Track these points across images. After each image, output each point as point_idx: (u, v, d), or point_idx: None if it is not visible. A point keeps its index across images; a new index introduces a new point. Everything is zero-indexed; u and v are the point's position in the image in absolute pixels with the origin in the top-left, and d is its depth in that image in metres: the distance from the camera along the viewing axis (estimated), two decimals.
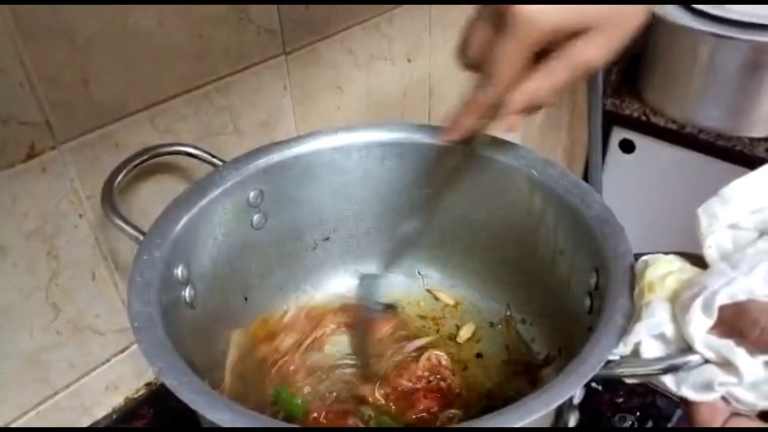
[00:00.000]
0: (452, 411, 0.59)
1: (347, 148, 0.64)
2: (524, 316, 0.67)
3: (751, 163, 1.11)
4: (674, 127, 1.17)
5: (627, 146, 1.27)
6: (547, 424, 0.42)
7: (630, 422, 0.64)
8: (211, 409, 0.37)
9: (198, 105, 0.61)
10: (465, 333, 0.67)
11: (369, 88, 0.80)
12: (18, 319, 0.55)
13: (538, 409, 0.36)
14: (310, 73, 0.71)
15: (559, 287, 0.58)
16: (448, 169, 0.63)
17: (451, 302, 0.70)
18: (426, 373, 0.61)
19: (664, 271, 0.43)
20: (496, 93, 0.46)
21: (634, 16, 0.44)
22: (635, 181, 1.29)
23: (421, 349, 0.64)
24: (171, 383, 0.39)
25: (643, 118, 1.21)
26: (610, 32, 0.43)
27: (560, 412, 0.42)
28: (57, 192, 0.54)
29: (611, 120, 1.25)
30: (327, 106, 0.76)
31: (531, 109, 0.47)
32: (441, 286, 0.72)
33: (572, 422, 0.43)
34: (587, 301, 0.52)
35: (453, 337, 0.67)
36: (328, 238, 0.70)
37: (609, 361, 0.40)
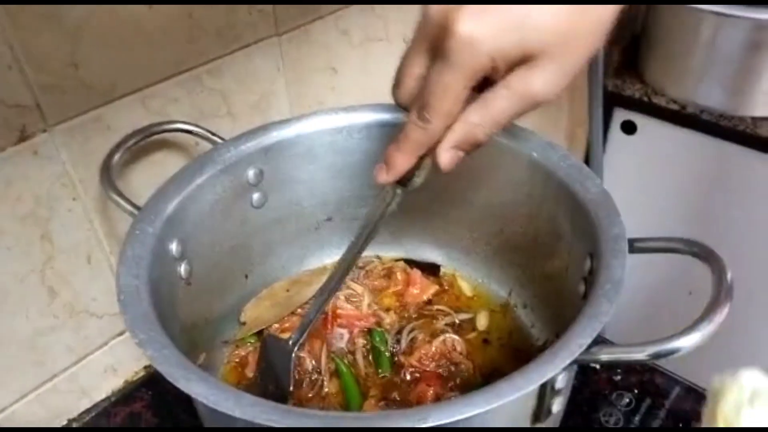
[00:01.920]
0: (451, 394, 0.58)
1: (348, 128, 0.64)
2: (526, 302, 0.66)
3: (754, 142, 1.08)
4: (676, 107, 1.14)
5: (628, 127, 1.25)
6: (528, 408, 0.42)
7: (627, 399, 0.63)
8: (187, 381, 0.38)
9: (190, 87, 0.61)
10: (486, 323, 0.66)
11: (364, 70, 0.79)
12: (14, 303, 0.55)
13: (507, 393, 0.36)
14: (303, 54, 0.71)
15: (558, 273, 0.57)
16: None
17: (469, 293, 0.69)
18: (437, 357, 0.61)
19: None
20: (434, 129, 0.40)
21: (588, 42, 0.38)
22: (637, 162, 1.26)
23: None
24: (151, 354, 0.39)
25: (645, 98, 1.18)
26: (560, 60, 0.37)
27: (542, 397, 0.41)
28: (50, 175, 0.54)
29: (612, 101, 1.22)
30: (321, 87, 0.75)
31: (469, 145, 0.41)
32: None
33: (555, 407, 0.42)
34: (582, 287, 0.51)
35: (471, 323, 0.66)
36: (330, 219, 0.70)
37: (591, 345, 0.39)
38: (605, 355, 0.39)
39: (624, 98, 1.21)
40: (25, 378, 0.58)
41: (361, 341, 0.63)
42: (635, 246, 0.47)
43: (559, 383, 0.41)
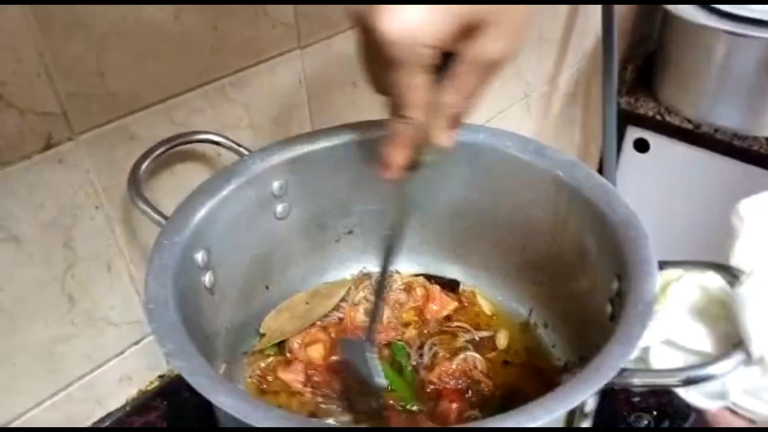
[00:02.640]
0: (472, 412, 0.58)
1: (374, 142, 0.64)
2: (546, 321, 0.65)
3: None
4: (689, 126, 1.14)
5: (641, 145, 1.25)
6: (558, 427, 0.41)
7: (646, 422, 0.62)
8: (215, 393, 0.37)
9: (213, 99, 0.61)
10: (505, 341, 0.65)
11: None
12: (33, 310, 0.55)
13: (540, 416, 0.35)
14: (325, 67, 0.71)
15: (582, 293, 0.57)
16: (474, 168, 0.63)
17: (488, 311, 0.69)
18: (458, 374, 0.61)
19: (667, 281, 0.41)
20: (417, 121, 0.41)
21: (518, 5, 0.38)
22: (650, 181, 1.26)
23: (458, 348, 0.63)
24: (179, 365, 0.39)
25: (658, 117, 1.18)
26: (502, 21, 0.37)
27: (571, 419, 0.41)
28: (73, 183, 0.54)
29: (626, 119, 1.22)
30: (341, 101, 0.75)
31: (457, 121, 0.43)
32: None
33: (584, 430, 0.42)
34: (608, 308, 0.50)
35: (491, 341, 0.65)
36: (351, 232, 0.70)
37: (624, 370, 0.39)
38: (638, 380, 0.38)
39: (637, 116, 1.21)
40: (40, 385, 0.58)
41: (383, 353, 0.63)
42: (664, 268, 0.47)
43: (588, 406, 0.40)
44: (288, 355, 0.64)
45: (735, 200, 1.17)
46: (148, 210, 0.53)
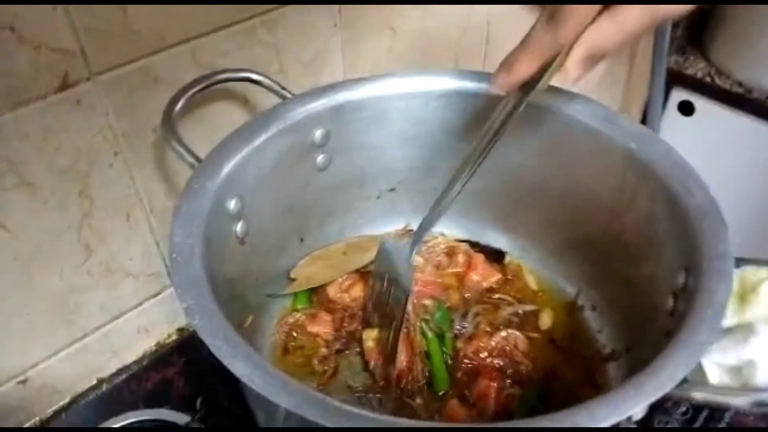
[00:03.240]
0: (511, 391, 0.55)
1: (425, 95, 0.59)
2: (595, 304, 0.60)
3: None
4: (740, 90, 1.05)
5: (686, 108, 1.15)
6: None
7: (684, 409, 0.58)
8: (232, 359, 0.35)
9: (242, 40, 0.56)
10: (548, 321, 0.61)
11: (423, 32, 0.73)
12: (48, 260, 0.53)
13: (585, 423, 0.32)
14: (362, 11, 0.65)
15: (640, 280, 0.52)
16: (536, 132, 0.57)
17: (534, 287, 0.65)
18: (497, 352, 0.57)
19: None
20: (564, 35, 0.39)
21: None
22: (692, 146, 1.14)
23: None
24: (197, 324, 0.37)
25: (707, 79, 1.09)
26: None
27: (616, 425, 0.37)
28: (91, 127, 0.50)
29: (672, 79, 1.12)
30: (377, 47, 0.69)
31: (597, 57, 0.40)
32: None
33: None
34: (670, 302, 0.45)
35: (535, 318, 0.62)
36: (393, 189, 0.66)
37: (684, 380, 0.34)
38: (699, 394, 0.34)
39: (685, 77, 1.12)
40: (55, 335, 0.57)
41: (422, 309, 0.60)
42: (740, 266, 0.41)
43: (637, 415, 0.36)
44: (324, 305, 0.62)
45: None
46: (182, 151, 0.50)
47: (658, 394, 0.33)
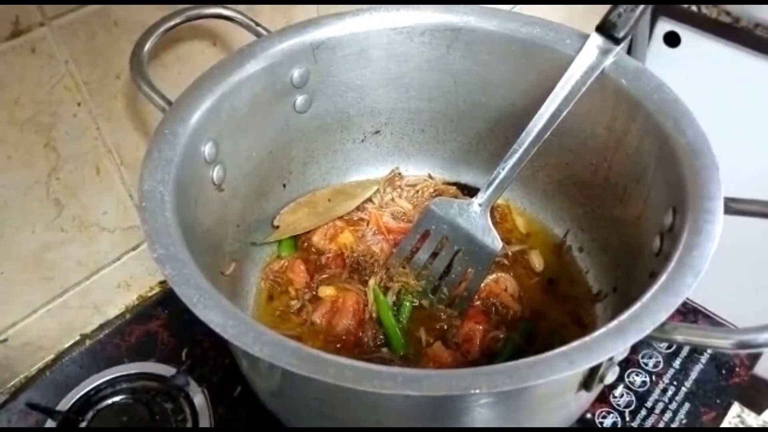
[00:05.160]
0: (498, 332, 0.55)
1: (408, 30, 0.56)
2: (583, 245, 0.60)
3: None
4: (728, 19, 1.01)
5: (672, 39, 1.11)
6: (579, 378, 0.37)
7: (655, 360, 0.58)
8: (204, 308, 0.34)
9: None
10: (538, 262, 0.61)
11: None
12: (18, 217, 0.51)
13: (563, 369, 0.31)
14: None
15: (627, 220, 0.51)
16: (524, 68, 0.55)
17: (523, 229, 0.64)
18: (485, 294, 0.57)
19: None
20: None
21: None
22: (677, 78, 1.12)
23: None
24: (168, 273, 0.36)
25: (693, 7, 1.05)
26: None
27: (596, 369, 0.36)
28: (50, 76, 0.47)
29: (657, 9, 1.09)
30: None
31: None
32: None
33: (609, 379, 0.37)
34: (657, 242, 0.44)
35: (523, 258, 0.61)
36: (378, 132, 0.64)
37: (666, 323, 0.34)
38: (681, 336, 0.33)
39: (670, 6, 1.07)
40: (33, 293, 0.56)
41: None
42: (731, 207, 0.40)
43: (620, 355, 0.36)
44: (308, 251, 0.61)
45: None
46: (153, 95, 0.47)
47: (639, 337, 0.33)
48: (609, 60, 0.49)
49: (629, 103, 0.49)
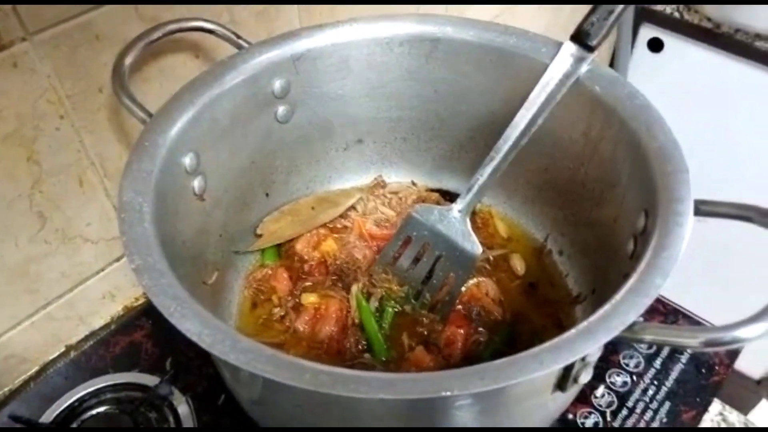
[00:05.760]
0: (478, 336, 0.56)
1: (388, 41, 0.57)
2: (562, 248, 0.60)
3: None
4: (709, 25, 1.03)
5: (656, 45, 1.14)
6: (552, 379, 0.38)
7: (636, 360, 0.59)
8: (181, 318, 0.35)
9: None
10: (519, 266, 0.61)
11: None
12: (1, 229, 0.51)
13: (534, 370, 0.32)
14: None
15: (603, 224, 0.52)
16: (501, 77, 0.56)
17: (504, 234, 0.65)
18: (467, 298, 0.58)
19: None
20: None
21: None
22: (661, 82, 1.17)
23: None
24: (145, 283, 0.36)
25: (676, 14, 1.07)
26: None
27: (569, 369, 0.37)
28: (33, 90, 0.48)
29: (640, 16, 1.11)
30: None
31: None
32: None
33: (583, 379, 0.38)
34: (631, 245, 0.45)
35: (505, 263, 0.62)
36: (361, 140, 0.65)
37: (635, 323, 0.34)
38: (650, 336, 0.34)
39: (653, 13, 1.10)
40: (17, 305, 0.56)
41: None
42: (701, 209, 0.41)
43: (592, 356, 0.37)
44: (291, 259, 0.62)
45: (754, 109, 1.08)
46: (134, 107, 0.48)
47: (608, 338, 0.33)
48: (583, 68, 0.50)
49: (604, 110, 0.50)
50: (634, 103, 0.48)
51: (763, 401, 1.36)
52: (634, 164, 0.46)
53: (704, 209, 0.41)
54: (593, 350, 0.34)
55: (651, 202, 0.42)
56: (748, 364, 1.35)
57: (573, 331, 0.34)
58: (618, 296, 0.35)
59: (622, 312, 0.34)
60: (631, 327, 0.34)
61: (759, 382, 1.36)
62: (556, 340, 0.34)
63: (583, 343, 0.33)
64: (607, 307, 0.35)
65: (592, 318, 0.34)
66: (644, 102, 0.48)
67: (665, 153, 0.43)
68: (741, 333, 0.32)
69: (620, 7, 0.48)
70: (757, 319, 0.33)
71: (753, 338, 0.32)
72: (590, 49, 0.50)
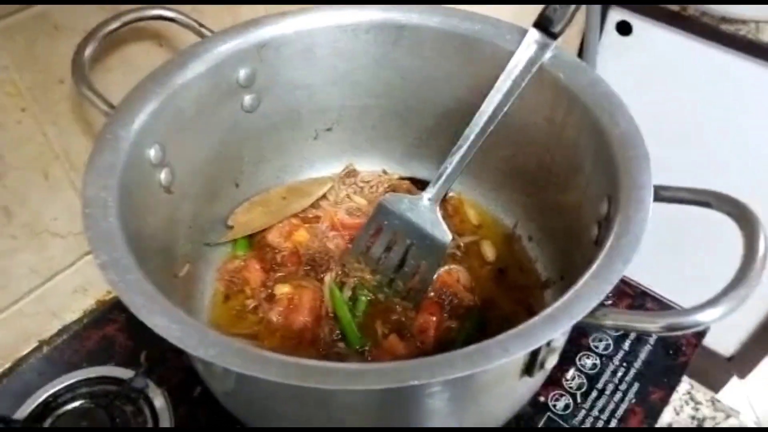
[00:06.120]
0: (450, 323, 0.56)
1: (354, 27, 0.56)
2: (531, 234, 0.61)
3: (754, 50, 0.99)
4: (676, 8, 1.05)
5: (624, 28, 1.15)
6: (519, 364, 0.39)
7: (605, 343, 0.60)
8: (149, 313, 0.35)
9: None
10: (489, 253, 0.62)
11: None
12: None
13: (501, 356, 0.32)
14: None
15: (569, 209, 0.52)
16: (467, 64, 0.56)
17: (474, 221, 0.65)
18: (439, 285, 0.58)
19: None
20: None
21: None
22: (630, 65, 1.18)
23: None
24: (110, 279, 0.36)
25: None
26: None
27: (535, 354, 0.38)
28: None
29: None
30: None
31: None
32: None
33: (549, 364, 0.39)
34: (595, 231, 0.46)
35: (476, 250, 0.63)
36: (330, 129, 0.64)
37: (597, 308, 0.35)
38: (611, 321, 0.35)
39: None
40: None
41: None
42: (660, 194, 0.42)
43: (557, 342, 0.37)
44: (263, 250, 0.61)
45: (719, 91, 1.09)
46: (95, 99, 0.47)
47: (570, 323, 0.34)
48: (547, 54, 0.51)
49: (567, 96, 0.50)
50: (596, 89, 0.48)
51: (734, 378, 1.40)
52: (597, 150, 0.47)
53: (664, 195, 0.41)
54: (556, 336, 0.34)
55: (613, 187, 0.43)
56: (719, 342, 1.39)
57: (537, 318, 0.35)
58: (580, 282, 0.36)
59: (584, 298, 0.35)
60: (593, 313, 0.35)
61: (730, 359, 1.39)
62: (520, 327, 0.35)
63: (547, 329, 0.34)
64: (570, 293, 0.36)
65: (555, 304, 0.35)
66: (606, 89, 0.48)
67: (627, 139, 0.44)
68: (700, 317, 0.33)
69: None
70: (715, 303, 0.34)
71: (711, 321, 0.33)
72: (553, 36, 0.50)
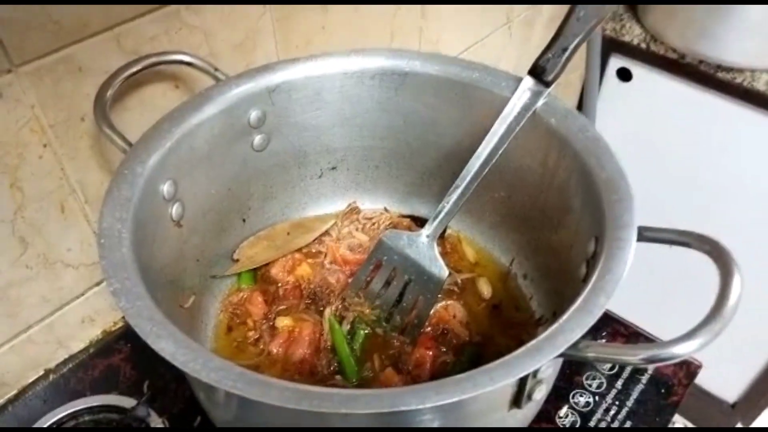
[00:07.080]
0: (446, 357, 0.58)
1: (360, 74, 0.60)
2: (527, 272, 0.63)
3: (750, 97, 1.03)
4: (674, 56, 1.09)
5: (624, 75, 1.20)
6: (507, 395, 0.40)
7: (611, 364, 0.62)
8: (157, 338, 0.37)
9: (168, 24, 0.56)
10: (486, 290, 0.64)
11: (356, 8, 0.73)
12: None
13: (486, 384, 0.34)
14: None
15: (561, 249, 0.55)
16: (466, 109, 0.59)
17: (472, 259, 0.67)
18: (435, 320, 0.60)
19: None
20: None
21: None
22: (630, 110, 1.23)
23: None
24: (122, 305, 0.38)
25: (643, 45, 1.13)
26: None
27: (522, 385, 0.39)
28: (17, 120, 0.50)
29: (610, 47, 1.17)
30: (310, 25, 0.69)
31: None
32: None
33: (538, 395, 0.41)
34: (583, 269, 0.48)
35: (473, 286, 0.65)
36: (335, 168, 0.67)
37: (580, 341, 0.37)
38: (593, 353, 0.37)
39: (621, 44, 1.16)
40: None
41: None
42: (644, 235, 0.44)
43: (543, 373, 0.39)
44: (267, 283, 0.64)
45: (715, 137, 1.13)
46: (114, 137, 0.50)
47: (554, 354, 0.36)
48: (540, 101, 0.54)
49: (559, 141, 0.53)
50: (585, 135, 0.51)
51: (739, 426, 1.38)
52: (586, 193, 0.49)
53: (647, 235, 0.44)
54: (541, 366, 0.36)
55: (600, 228, 0.45)
56: (722, 389, 1.38)
57: (522, 348, 0.37)
58: (565, 316, 0.38)
59: (567, 330, 0.37)
60: (576, 345, 0.37)
61: (733, 406, 1.38)
62: (507, 357, 0.36)
63: (531, 359, 0.36)
64: (554, 326, 0.38)
65: (540, 336, 0.37)
66: (594, 134, 0.51)
67: (612, 183, 0.47)
68: (676, 349, 0.35)
69: (573, 44, 0.52)
70: (691, 337, 0.36)
71: (687, 354, 0.35)
72: (547, 84, 0.53)
